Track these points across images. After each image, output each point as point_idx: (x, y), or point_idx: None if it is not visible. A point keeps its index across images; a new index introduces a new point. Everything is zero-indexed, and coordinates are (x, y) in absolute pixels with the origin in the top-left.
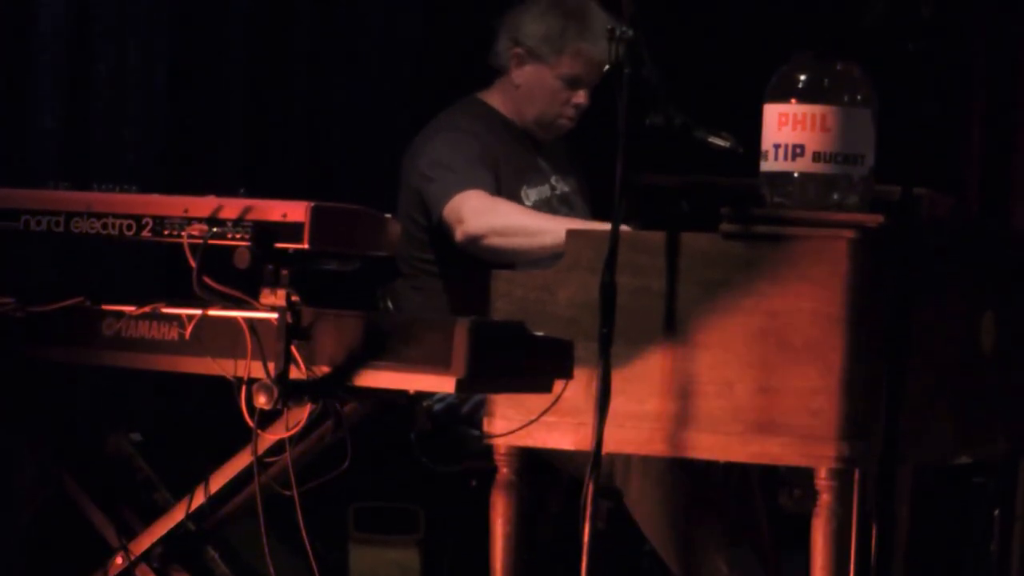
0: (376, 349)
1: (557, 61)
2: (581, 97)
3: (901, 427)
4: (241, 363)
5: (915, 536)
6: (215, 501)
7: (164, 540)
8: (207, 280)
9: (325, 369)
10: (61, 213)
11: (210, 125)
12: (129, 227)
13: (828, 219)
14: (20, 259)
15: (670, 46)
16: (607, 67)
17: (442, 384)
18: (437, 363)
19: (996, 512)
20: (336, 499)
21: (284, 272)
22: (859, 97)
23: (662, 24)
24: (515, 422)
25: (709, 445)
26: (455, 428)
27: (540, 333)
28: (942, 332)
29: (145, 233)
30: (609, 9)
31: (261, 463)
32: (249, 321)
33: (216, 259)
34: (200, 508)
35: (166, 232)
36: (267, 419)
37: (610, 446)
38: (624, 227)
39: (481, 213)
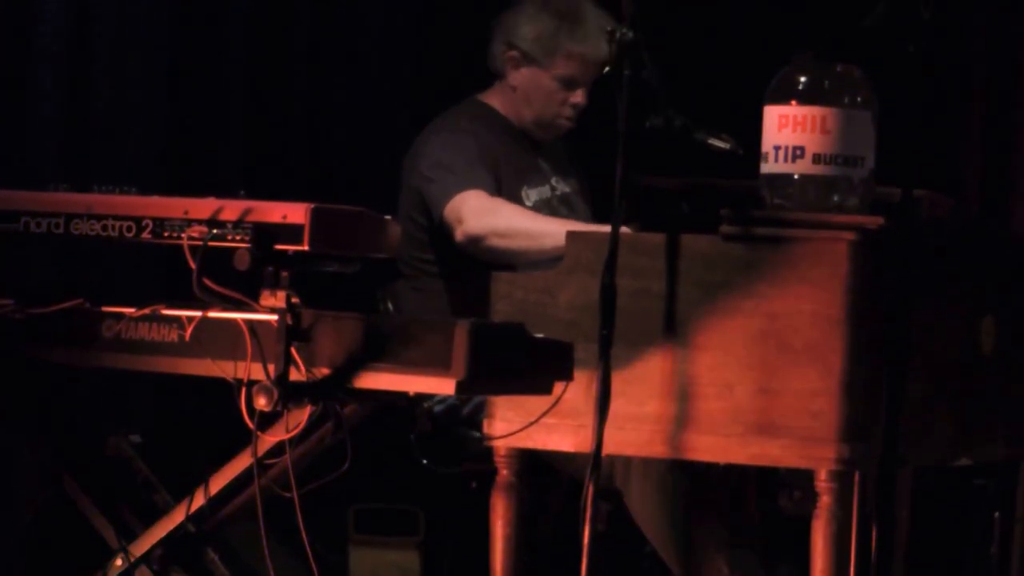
0: (376, 351)
1: (551, 62)
2: (579, 96)
3: (901, 429)
4: (241, 365)
5: (915, 538)
6: (215, 503)
7: (164, 542)
8: (207, 282)
9: (325, 371)
10: (61, 215)
11: (210, 125)
12: (129, 229)
13: (828, 221)
14: (20, 261)
15: (670, 48)
16: (607, 69)
17: (442, 386)
18: (437, 365)
19: (996, 514)
20: (336, 501)
21: (284, 274)
22: (859, 99)
23: (662, 26)
24: (515, 424)
25: (709, 447)
26: (455, 430)
27: (540, 335)
28: (942, 334)
29: (145, 235)
30: (608, 10)
31: (261, 465)
32: (249, 323)
33: (216, 261)
34: (200, 510)
35: (166, 234)
36: (267, 421)
37: (610, 448)
38: (624, 229)
39: (482, 213)
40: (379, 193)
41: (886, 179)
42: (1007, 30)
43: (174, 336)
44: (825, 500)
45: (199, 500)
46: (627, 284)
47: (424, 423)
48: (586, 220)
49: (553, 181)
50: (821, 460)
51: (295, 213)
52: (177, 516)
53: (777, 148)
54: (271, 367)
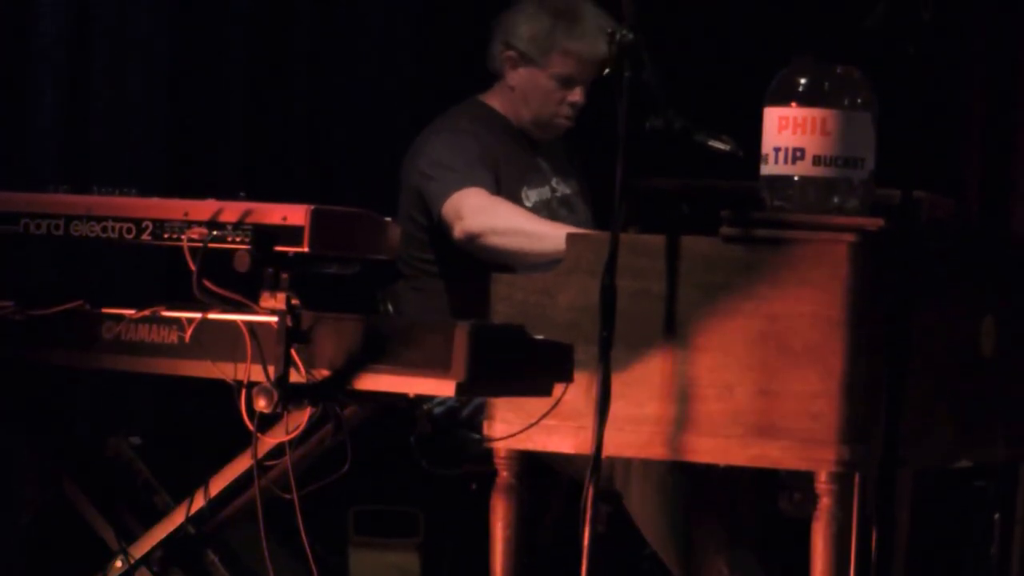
0: (376, 352)
1: (548, 61)
2: (577, 95)
3: (901, 431)
4: (241, 366)
5: (915, 540)
6: (215, 504)
7: (164, 543)
8: (207, 283)
9: (325, 372)
10: (61, 216)
11: (210, 125)
12: (129, 230)
13: (828, 223)
14: (20, 262)
15: (670, 49)
16: (607, 70)
17: (442, 387)
18: (437, 366)
19: (996, 516)
20: (336, 502)
21: (284, 275)
22: (859, 100)
23: (662, 27)
24: (515, 425)
25: (709, 448)
26: (455, 432)
27: (540, 336)
28: (942, 336)
29: (145, 236)
30: (608, 10)
31: (261, 466)
32: (249, 324)
33: (216, 262)
34: (200, 511)
35: (166, 235)
36: (267, 422)
37: (610, 449)
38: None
39: (481, 211)
40: (379, 194)
41: (886, 181)
42: (1007, 30)
43: (174, 338)
44: (825, 502)
45: (199, 502)
46: (627, 285)
47: (423, 425)
48: (586, 221)
49: (553, 182)
50: (821, 462)
51: (295, 215)
52: (177, 518)
53: (777, 150)
54: (271, 369)
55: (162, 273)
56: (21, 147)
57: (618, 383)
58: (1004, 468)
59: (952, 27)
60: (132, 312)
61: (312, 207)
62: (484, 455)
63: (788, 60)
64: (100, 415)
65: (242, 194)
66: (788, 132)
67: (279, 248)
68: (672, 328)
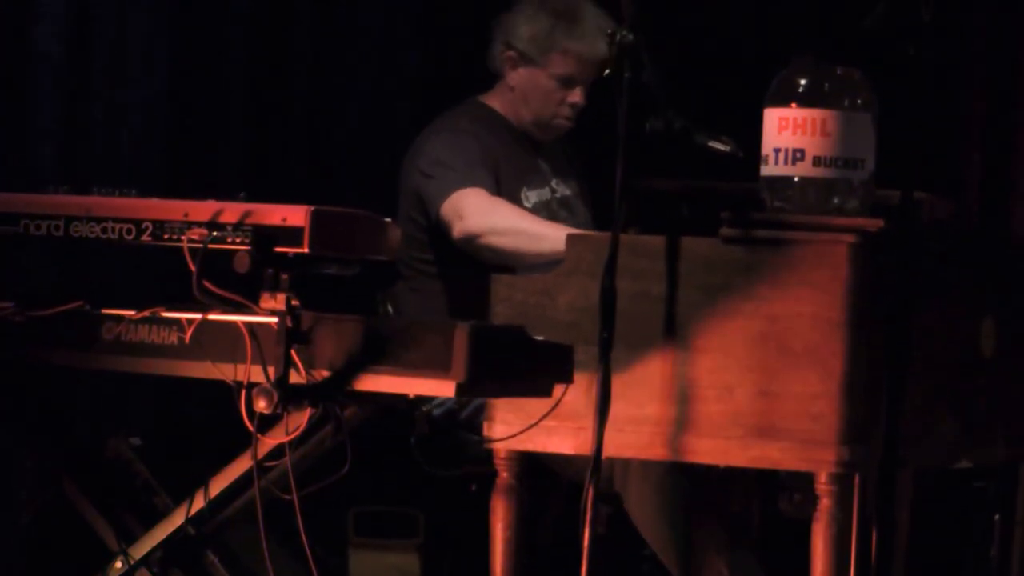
0: (376, 353)
1: (547, 61)
2: (577, 96)
3: (901, 431)
4: (241, 367)
5: (915, 541)
6: (215, 505)
7: (164, 544)
8: (207, 284)
9: (325, 373)
10: (60, 217)
11: (210, 125)
12: (129, 231)
13: (828, 223)
14: (19, 263)
15: (670, 50)
16: (607, 71)
17: (442, 388)
18: (437, 367)
19: (996, 517)
20: (336, 503)
21: (284, 276)
22: (859, 101)
23: (662, 28)
24: (515, 426)
25: (709, 449)
26: (455, 433)
27: (540, 337)
28: (942, 336)
29: (145, 237)
30: (608, 11)
31: (261, 467)
32: (249, 325)
33: (216, 263)
34: (200, 512)
35: (166, 236)
36: (267, 423)
37: (610, 450)
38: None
39: (481, 211)
40: (379, 194)
41: (886, 181)
42: (1007, 30)
43: (174, 338)
44: (825, 503)
45: (199, 502)
46: (627, 286)
47: (422, 426)
48: (585, 223)
49: (553, 183)
50: (821, 463)
51: (295, 215)
52: (177, 518)
53: (777, 151)
54: (271, 369)
55: (162, 274)
56: (21, 147)
57: (618, 384)
58: (1004, 469)
59: (952, 27)
60: (132, 313)
61: (312, 208)
62: (484, 456)
63: (788, 61)
64: (100, 416)
65: (242, 195)
66: (788, 133)
67: (279, 249)
68: (672, 329)
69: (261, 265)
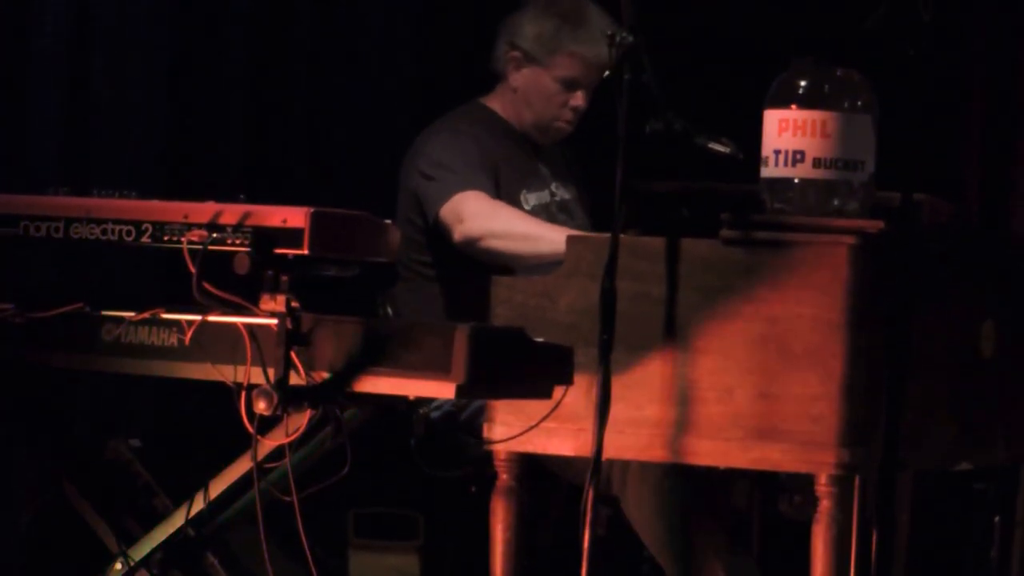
0: (376, 355)
1: (552, 62)
2: (579, 99)
3: (901, 433)
4: (241, 369)
5: (915, 542)
6: (215, 507)
7: (163, 546)
8: (207, 286)
9: (325, 375)
10: (60, 219)
11: (210, 125)
12: (129, 233)
13: (828, 225)
14: (19, 264)
15: (670, 51)
16: (607, 73)
17: (442, 390)
18: (437, 369)
19: (996, 518)
20: (336, 505)
21: (284, 278)
22: (859, 103)
23: (662, 29)
24: (515, 428)
25: (709, 451)
26: (454, 435)
27: (540, 339)
28: (942, 338)
29: (145, 239)
30: (613, 15)
31: (261, 469)
32: (249, 327)
33: (216, 265)
34: (200, 514)
35: (166, 238)
36: (267, 425)
37: (610, 452)
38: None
39: (480, 215)
40: (378, 191)
41: (886, 183)
42: (1007, 30)
43: (174, 340)
44: (825, 504)
45: (199, 504)
46: (627, 288)
47: (419, 429)
48: (584, 228)
49: (552, 187)
50: (821, 464)
51: (295, 217)
52: (177, 520)
53: (777, 152)
54: (271, 371)
55: (162, 275)
56: (21, 148)
57: (618, 386)
58: (1004, 470)
59: (952, 27)
60: (132, 314)
61: (312, 209)
62: (484, 458)
63: (788, 62)
64: (100, 417)
65: (242, 196)
66: (788, 134)
67: (279, 250)
68: (672, 331)
69: (261, 267)
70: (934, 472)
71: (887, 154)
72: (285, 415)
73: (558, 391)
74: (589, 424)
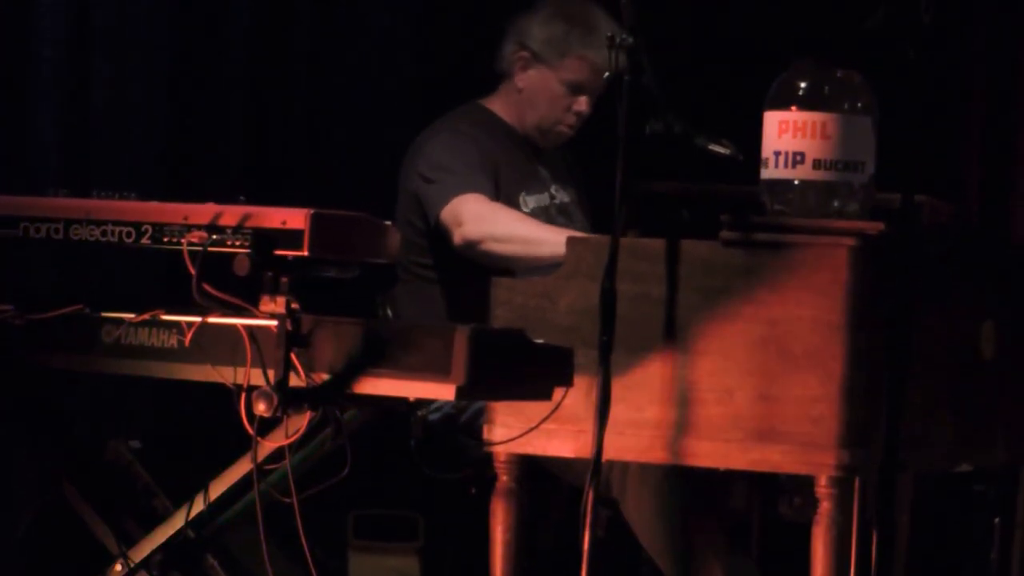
0: (376, 356)
1: (560, 65)
2: (582, 104)
3: (901, 435)
4: (241, 370)
5: (915, 544)
6: (214, 508)
7: (163, 547)
8: (207, 287)
9: (325, 376)
10: (60, 220)
11: (210, 125)
12: (128, 234)
13: (828, 227)
14: (19, 266)
15: (670, 53)
16: (607, 74)
17: (442, 391)
18: (437, 370)
19: (996, 520)
20: (336, 506)
21: (284, 279)
22: (859, 104)
23: (662, 31)
24: (515, 429)
25: (709, 452)
26: (454, 436)
27: (540, 340)
28: (943, 340)
29: (144, 240)
30: (616, 18)
31: (261, 470)
32: (249, 328)
33: (215, 266)
34: (199, 515)
35: (165, 239)
36: (267, 426)
37: (610, 453)
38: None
39: (480, 218)
40: (378, 191)
41: (886, 184)
42: (1007, 30)
43: (174, 342)
44: (825, 506)
45: (199, 506)
46: (627, 289)
47: (417, 431)
48: (583, 230)
49: (552, 189)
50: (821, 466)
51: (295, 218)
52: (177, 522)
53: (777, 154)
54: (271, 372)
55: (162, 277)
56: (21, 149)
57: (618, 387)
58: (1004, 472)
59: (952, 28)
60: (132, 316)
61: (312, 211)
62: (484, 459)
63: (788, 64)
64: (100, 419)
65: (242, 198)
66: (788, 136)
67: (279, 252)
68: (672, 332)
69: (261, 268)
70: (934, 473)
71: (887, 155)
72: (285, 416)
73: (558, 393)
74: (589, 425)
